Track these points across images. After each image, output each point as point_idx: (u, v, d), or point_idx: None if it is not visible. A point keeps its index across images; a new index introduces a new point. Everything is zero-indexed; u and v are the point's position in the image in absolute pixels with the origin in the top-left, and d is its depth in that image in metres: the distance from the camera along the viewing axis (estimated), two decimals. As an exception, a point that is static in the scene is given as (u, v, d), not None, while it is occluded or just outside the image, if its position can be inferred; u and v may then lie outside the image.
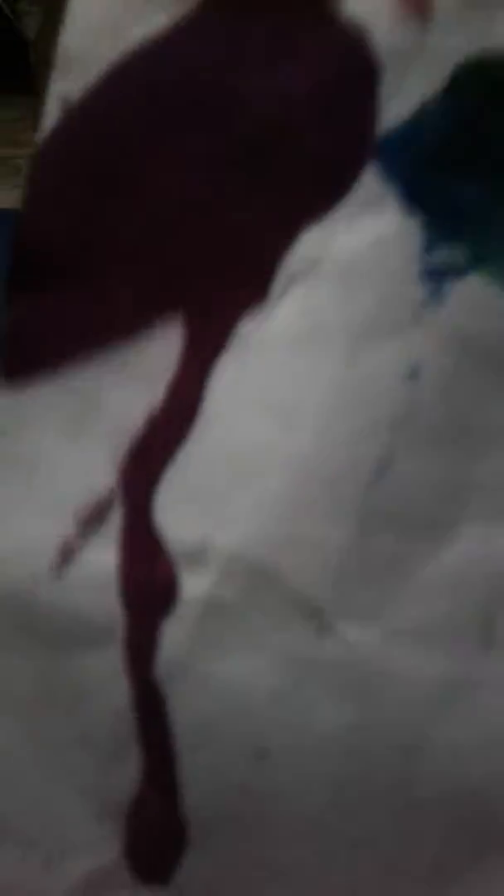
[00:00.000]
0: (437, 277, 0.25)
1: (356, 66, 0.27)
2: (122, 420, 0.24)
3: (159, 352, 0.24)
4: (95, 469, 0.23)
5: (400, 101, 0.27)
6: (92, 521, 0.23)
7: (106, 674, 0.23)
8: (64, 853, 0.23)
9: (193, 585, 0.23)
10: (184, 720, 0.23)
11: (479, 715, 0.23)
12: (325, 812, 0.23)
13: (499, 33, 0.27)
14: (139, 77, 0.26)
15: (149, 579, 0.23)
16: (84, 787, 0.22)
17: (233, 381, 0.24)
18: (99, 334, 0.24)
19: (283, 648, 0.23)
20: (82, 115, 0.26)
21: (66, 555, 0.23)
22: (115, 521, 0.23)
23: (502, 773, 0.23)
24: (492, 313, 0.25)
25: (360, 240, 0.26)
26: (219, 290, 0.25)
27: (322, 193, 0.26)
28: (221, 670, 0.23)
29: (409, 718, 0.23)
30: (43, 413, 0.24)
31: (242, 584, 0.23)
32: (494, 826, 0.23)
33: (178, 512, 0.23)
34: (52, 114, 0.26)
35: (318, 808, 0.23)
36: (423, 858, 0.23)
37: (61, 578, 0.23)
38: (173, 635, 0.23)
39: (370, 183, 0.26)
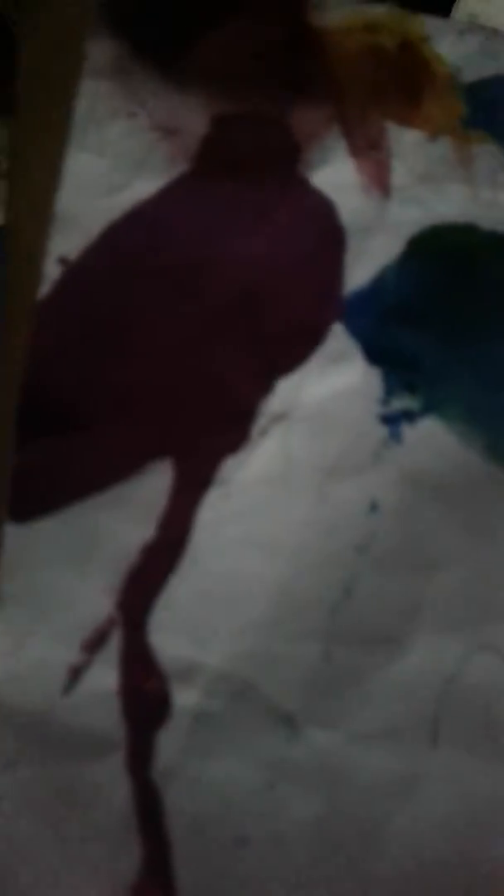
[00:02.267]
0: (395, 421, 0.30)
1: (325, 236, 0.31)
2: (119, 552, 0.27)
3: (151, 490, 0.28)
4: (97, 598, 0.27)
5: (363, 265, 0.31)
6: (95, 645, 0.27)
7: (111, 778, 0.26)
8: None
9: (184, 699, 0.27)
10: (177, 815, 0.26)
11: (429, 804, 0.27)
12: (297, 889, 0.26)
13: (449, 205, 0.32)
14: (132, 240, 0.30)
15: (145, 693, 0.26)
16: (97, 872, 0.26)
17: (217, 515, 0.28)
18: (97, 475, 0.28)
19: (259, 752, 0.26)
20: (79, 274, 0.29)
21: (75, 677, 0.26)
22: (114, 644, 0.27)
23: (452, 852, 0.27)
24: (442, 452, 0.29)
25: (328, 388, 0.30)
26: (204, 434, 0.29)
27: (295, 349, 0.30)
28: (208, 772, 0.26)
29: (369, 808, 0.27)
30: (48, 547, 0.27)
31: (226, 697, 0.27)
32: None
33: (169, 634, 0.27)
34: (51, 272, 0.29)
35: (292, 886, 0.26)
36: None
37: (70, 698, 0.26)
38: (167, 743, 0.26)
39: (337, 339, 0.30)
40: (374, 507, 0.29)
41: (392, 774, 0.27)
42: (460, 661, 0.28)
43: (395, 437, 0.29)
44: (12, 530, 0.27)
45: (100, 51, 0.31)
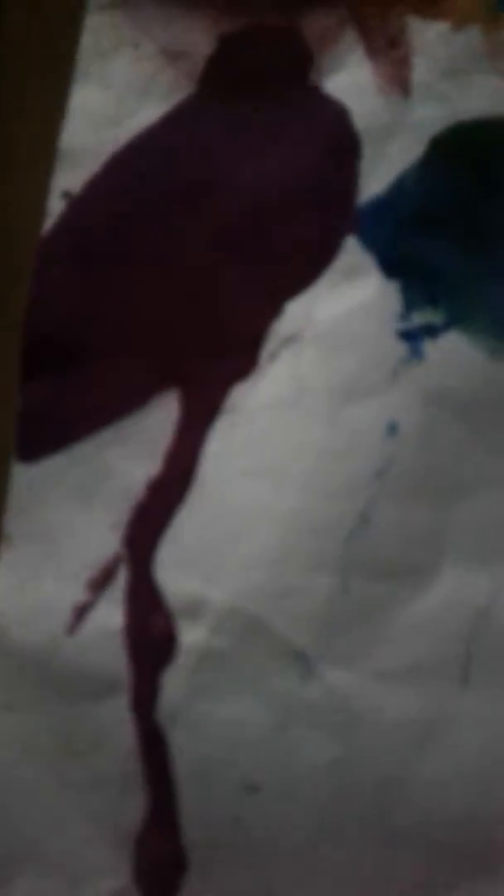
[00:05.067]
0: (414, 337, 0.27)
1: (337, 146, 0.29)
2: (126, 487, 0.26)
3: (158, 423, 0.27)
4: (103, 534, 0.26)
5: (379, 174, 0.29)
6: (100, 583, 0.26)
7: (115, 721, 0.25)
8: (85, 876, 0.26)
9: (191, 637, 0.25)
10: (183, 760, 0.25)
11: (456, 749, 0.25)
12: (311, 840, 0.25)
13: (474, 101, 0.29)
14: (136, 168, 0.29)
15: (150, 633, 0.25)
16: (100, 820, 0.25)
17: (225, 446, 0.27)
18: (103, 410, 0.27)
19: (270, 692, 0.25)
20: (84, 207, 0.29)
21: (79, 616, 0.26)
22: (120, 582, 0.26)
23: (478, 804, 0.24)
24: (466, 369, 0.27)
25: (341, 306, 0.28)
26: (211, 362, 0.27)
27: (305, 267, 0.28)
28: (215, 713, 0.25)
29: (389, 754, 0.25)
30: (55, 485, 0.26)
31: (235, 633, 0.25)
32: (471, 854, 0.25)
33: (176, 570, 0.26)
34: (55, 207, 0.28)
35: (305, 837, 0.25)
36: (404, 884, 0.25)
37: (75, 637, 0.26)
38: (173, 683, 0.25)
39: (351, 253, 0.28)
40: (392, 429, 0.26)
41: (417, 716, 0.25)
42: (493, 593, 0.25)
43: (416, 353, 0.27)
44: (20, 469, 0.27)
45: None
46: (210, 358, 0.27)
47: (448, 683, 0.25)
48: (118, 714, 0.25)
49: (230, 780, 0.25)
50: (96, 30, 0.30)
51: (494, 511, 0.26)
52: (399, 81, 0.29)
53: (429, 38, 0.30)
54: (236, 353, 0.27)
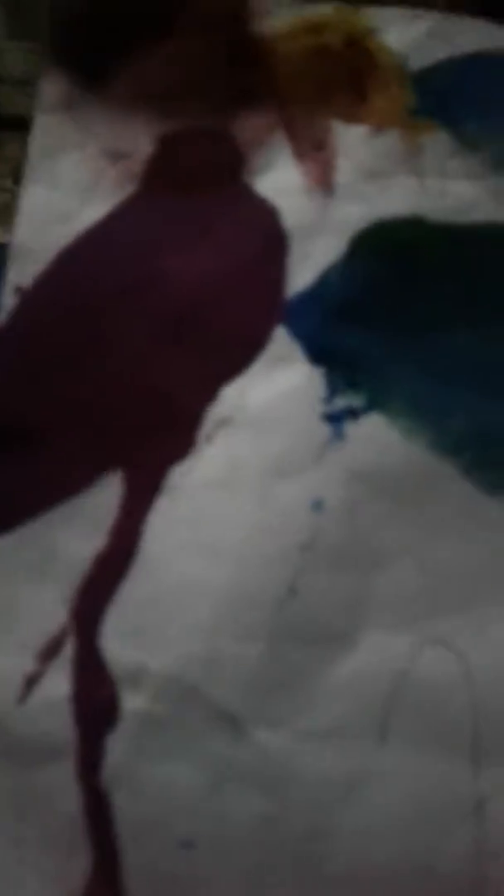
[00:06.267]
0: (338, 419, 0.30)
1: (268, 242, 0.31)
2: (73, 563, 0.28)
3: (103, 502, 0.29)
4: (53, 608, 0.28)
5: (305, 268, 0.31)
6: (49, 654, 0.28)
7: (62, 784, 0.27)
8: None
9: (132, 703, 0.27)
10: (126, 820, 0.27)
11: (378, 802, 0.27)
12: (248, 892, 0.26)
13: (393, 200, 0.31)
14: (82, 263, 0.31)
15: (95, 699, 0.27)
16: (49, 877, 0.27)
17: (165, 523, 0.29)
18: (51, 491, 0.29)
19: (205, 754, 0.27)
20: (33, 300, 0.31)
21: (30, 685, 0.28)
22: (67, 652, 0.28)
23: (401, 852, 0.26)
24: (386, 448, 0.29)
25: (271, 391, 0.30)
26: (152, 444, 0.29)
27: (239, 354, 0.30)
28: (155, 775, 0.27)
29: (316, 808, 0.27)
30: (6, 563, 0.28)
31: (172, 700, 0.27)
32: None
33: (119, 640, 0.28)
34: (7, 300, 0.31)
35: (241, 890, 0.26)
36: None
37: (25, 705, 0.27)
38: (116, 748, 0.27)
39: (279, 342, 0.30)
40: (318, 505, 0.29)
41: (340, 773, 0.27)
42: (410, 656, 0.28)
43: (339, 434, 0.29)
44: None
45: (50, 87, 0.33)
46: (151, 440, 0.29)
47: (367, 741, 0.27)
48: (65, 777, 0.27)
49: (168, 839, 0.27)
50: (44, 131, 0.33)
51: (412, 579, 0.28)
52: (324, 182, 0.32)
53: (351, 141, 0.32)
54: (176, 436, 0.29)
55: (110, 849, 0.27)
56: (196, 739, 0.27)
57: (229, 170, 0.32)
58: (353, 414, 0.29)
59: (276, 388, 0.30)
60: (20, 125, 0.33)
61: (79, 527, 0.29)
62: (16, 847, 0.27)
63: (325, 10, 0.33)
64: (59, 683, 0.27)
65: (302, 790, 0.27)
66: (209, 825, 0.27)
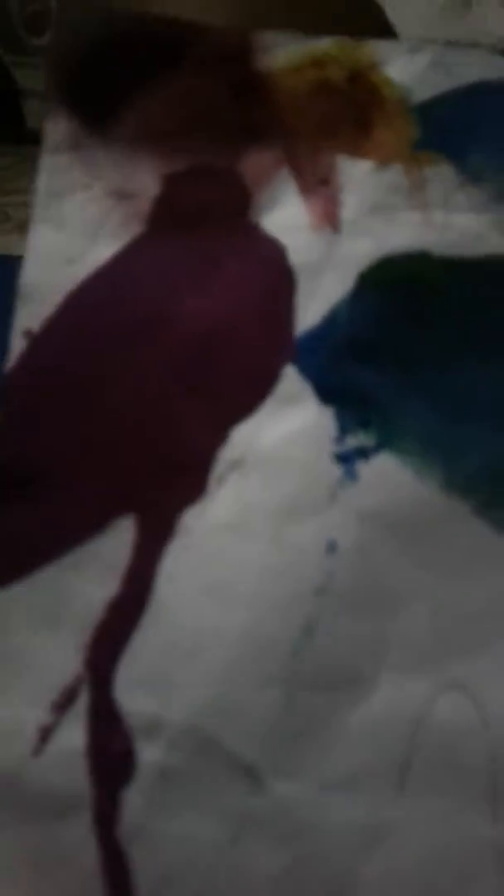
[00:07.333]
0: (349, 460, 0.29)
1: (275, 281, 0.31)
2: (86, 610, 0.28)
3: (115, 547, 0.29)
4: (66, 657, 0.28)
5: (313, 306, 0.31)
6: (63, 704, 0.28)
7: (78, 839, 0.27)
8: None
9: (148, 755, 0.27)
10: (144, 874, 0.26)
11: (398, 852, 0.26)
12: None
13: (399, 235, 0.31)
14: (90, 305, 0.31)
15: (111, 751, 0.27)
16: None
17: (178, 567, 0.28)
18: (64, 536, 0.29)
19: (222, 806, 0.27)
20: (43, 343, 0.31)
21: (44, 737, 0.27)
22: (81, 702, 0.28)
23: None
24: (398, 488, 0.29)
25: (282, 432, 0.30)
26: (163, 487, 0.29)
27: (249, 395, 0.30)
28: (172, 829, 0.26)
29: (336, 859, 0.26)
30: (19, 610, 0.28)
31: (188, 751, 0.27)
32: None
33: (134, 690, 0.27)
34: (17, 345, 0.31)
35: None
36: None
37: (39, 758, 0.27)
38: (132, 801, 0.27)
39: (289, 381, 0.30)
40: (331, 547, 0.28)
41: (358, 824, 0.26)
42: (427, 701, 0.27)
43: (350, 475, 0.29)
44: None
45: (56, 127, 0.33)
46: (164, 483, 0.29)
47: (387, 790, 0.27)
48: (81, 832, 0.27)
49: (187, 892, 0.26)
50: (50, 172, 0.33)
51: (426, 621, 0.28)
52: (330, 218, 0.32)
53: (356, 176, 0.32)
54: (187, 479, 0.29)
55: (129, 905, 0.26)
56: (213, 791, 0.27)
57: (236, 208, 0.32)
58: (364, 454, 0.29)
59: (286, 428, 0.30)
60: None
61: (92, 573, 0.29)
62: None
63: (327, 45, 0.33)
64: (74, 735, 0.27)
65: (322, 841, 0.26)
66: (228, 879, 0.26)
